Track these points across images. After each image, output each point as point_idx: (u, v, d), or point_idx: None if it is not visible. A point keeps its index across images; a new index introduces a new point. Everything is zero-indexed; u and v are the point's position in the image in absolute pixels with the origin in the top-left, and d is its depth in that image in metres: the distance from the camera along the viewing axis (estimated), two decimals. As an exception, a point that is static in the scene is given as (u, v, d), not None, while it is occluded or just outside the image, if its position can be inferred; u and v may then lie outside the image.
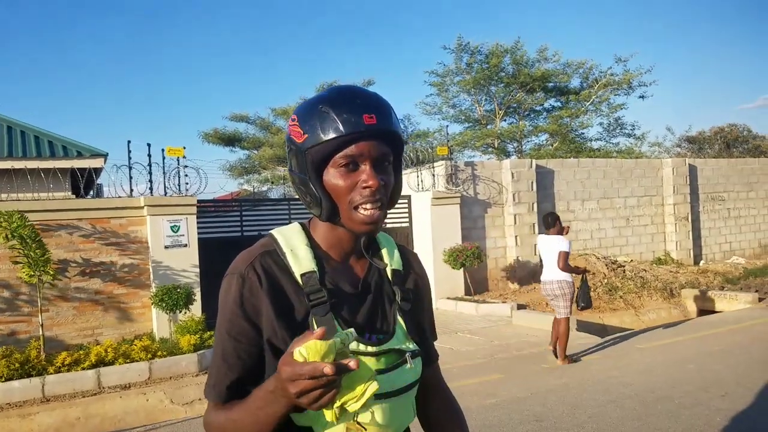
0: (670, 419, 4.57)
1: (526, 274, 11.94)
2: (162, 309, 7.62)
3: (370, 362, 1.05)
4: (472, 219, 11.71)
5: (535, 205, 12.26)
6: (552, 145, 23.70)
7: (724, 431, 4.27)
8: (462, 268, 10.52)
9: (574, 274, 6.53)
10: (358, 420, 1.03)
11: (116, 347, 7.05)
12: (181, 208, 8.53)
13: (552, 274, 6.45)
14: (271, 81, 53.06)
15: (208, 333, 7.64)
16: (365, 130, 1.05)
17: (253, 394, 0.99)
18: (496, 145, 24.00)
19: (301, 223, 1.21)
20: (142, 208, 8.33)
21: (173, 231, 8.45)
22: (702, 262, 14.42)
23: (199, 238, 8.80)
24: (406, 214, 11.55)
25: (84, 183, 8.66)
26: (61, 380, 6.42)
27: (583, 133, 24.86)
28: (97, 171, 10.69)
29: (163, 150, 8.75)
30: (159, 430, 5.17)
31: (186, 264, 8.52)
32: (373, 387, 0.88)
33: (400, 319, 1.16)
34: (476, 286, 11.14)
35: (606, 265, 11.83)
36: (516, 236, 11.99)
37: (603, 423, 4.57)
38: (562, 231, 6.63)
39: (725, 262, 14.35)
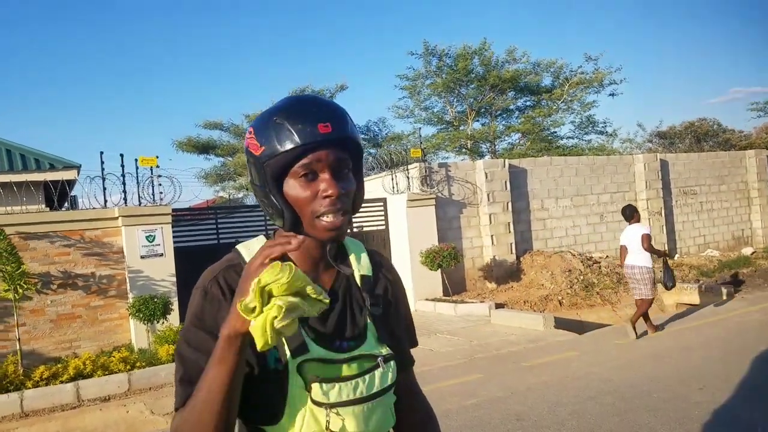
0: (649, 414, 4.66)
1: (503, 273, 12.06)
2: (139, 320, 7.54)
3: (342, 370, 1.07)
4: (447, 220, 11.79)
5: (510, 205, 12.39)
6: (525, 145, 23.96)
7: (702, 424, 4.36)
8: (439, 269, 10.59)
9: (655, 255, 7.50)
10: (331, 428, 1.03)
11: (94, 359, 6.96)
12: (155, 217, 8.45)
13: (635, 260, 7.31)
14: (243, 88, 52.75)
15: (188, 343, 7.57)
16: (321, 139, 1.04)
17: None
18: (469, 146, 24.18)
19: (266, 235, 1.21)
20: (117, 218, 8.24)
21: (149, 241, 8.37)
22: (677, 256, 14.70)
23: (175, 247, 8.73)
24: (383, 217, 11.58)
25: (58, 195, 8.55)
26: (40, 394, 6.31)
27: (555, 132, 25.20)
28: (71, 183, 10.54)
29: (136, 160, 8.67)
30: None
31: (163, 273, 8.44)
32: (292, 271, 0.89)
33: (370, 324, 1.16)
34: (454, 287, 11.21)
35: (582, 262, 12.00)
36: (492, 235, 12.10)
37: (583, 420, 4.64)
38: (639, 220, 7.58)
39: (700, 255, 14.65)
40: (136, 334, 8.05)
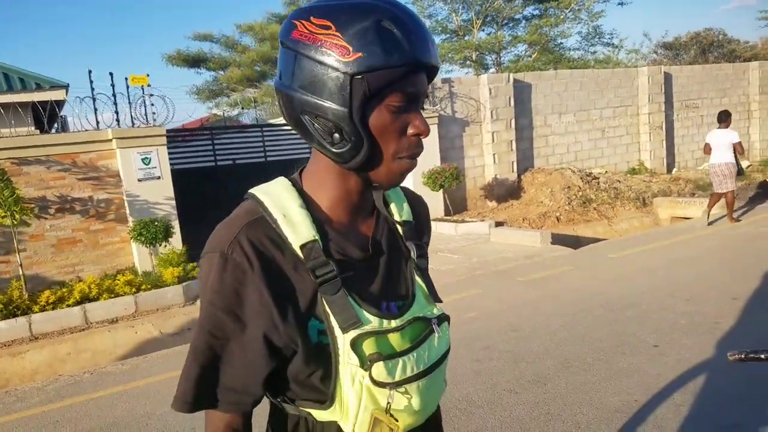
0: (637, 324, 4.80)
1: (504, 191, 12.07)
2: (141, 243, 7.63)
3: (395, 340, 0.91)
4: (449, 139, 11.66)
5: (513, 122, 12.21)
6: (531, 56, 23.29)
7: (686, 333, 4.50)
8: (441, 190, 10.60)
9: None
10: (393, 409, 0.90)
11: (99, 283, 7.11)
12: (150, 139, 8.34)
13: (722, 158, 8.32)
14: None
15: (192, 264, 7.71)
16: (433, 62, 0.87)
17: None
18: (474, 58, 23.51)
19: (289, 178, 0.99)
20: (111, 140, 8.14)
21: (145, 163, 8.32)
22: (675, 170, 14.67)
23: (172, 169, 8.69)
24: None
25: (47, 117, 8.39)
26: (48, 318, 6.50)
27: (562, 43, 24.45)
28: (60, 104, 10.30)
29: (126, 79, 8.46)
30: (151, 360, 5.30)
31: (161, 197, 8.45)
32: None
33: (419, 280, 1.00)
34: (455, 206, 11.26)
35: (581, 178, 11.99)
36: (494, 154, 12.01)
37: (574, 330, 4.79)
38: (729, 125, 8.50)
39: (697, 169, 14.61)
40: (139, 257, 8.17)
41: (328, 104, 0.84)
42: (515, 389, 3.77)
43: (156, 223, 7.63)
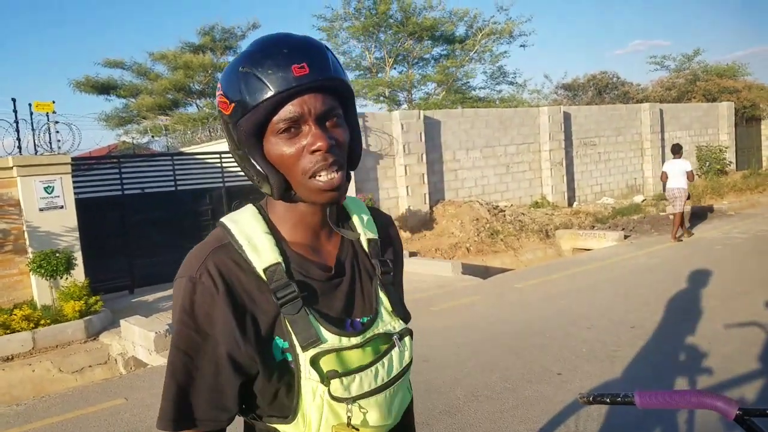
0: (541, 352, 5.10)
1: (417, 222, 12.43)
2: (41, 275, 7.21)
3: (355, 356, 0.95)
4: (365, 171, 11.93)
5: (424, 156, 12.68)
6: (440, 95, 24.28)
7: (588, 360, 4.83)
8: (355, 219, 10.72)
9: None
10: (353, 423, 0.94)
11: (-7, 318, 6.64)
12: (54, 167, 7.96)
13: (678, 183, 9.90)
14: (147, 26, 49.37)
15: (94, 298, 7.38)
16: (298, 84, 0.89)
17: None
18: (387, 95, 24.19)
19: (256, 205, 1.04)
20: (11, 168, 7.70)
21: (47, 192, 7.92)
22: (575, 204, 15.67)
23: (76, 199, 8.31)
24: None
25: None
26: (-68, 358, 5.99)
27: (468, 82, 25.65)
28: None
29: (30, 105, 8.07)
30: (49, 400, 5.01)
31: (64, 227, 8.05)
32: None
33: (382, 296, 1.04)
34: (369, 236, 11.44)
35: (488, 211, 12.58)
36: (407, 186, 12.39)
37: (483, 359, 5.03)
38: (681, 156, 10.12)
39: (596, 203, 15.70)
40: (39, 290, 7.70)
41: (236, 151, 0.96)
42: (427, 421, 3.88)
43: (57, 255, 7.25)
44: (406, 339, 1.03)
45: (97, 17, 49.63)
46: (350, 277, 1.03)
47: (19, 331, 6.53)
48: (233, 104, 0.92)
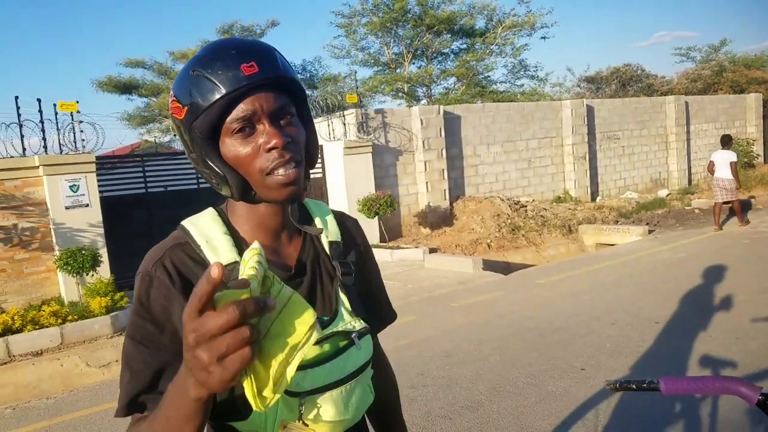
0: (564, 348, 5.06)
1: (437, 218, 12.39)
2: (68, 272, 7.35)
3: (311, 352, 0.94)
4: (384, 167, 11.91)
5: (444, 151, 12.62)
6: (459, 90, 24.15)
7: (612, 356, 4.79)
8: (376, 217, 10.77)
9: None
10: (303, 419, 0.93)
11: (23, 314, 6.79)
12: (79, 166, 8.11)
13: (723, 174, 10.22)
14: (167, 26, 49.92)
15: (119, 294, 7.49)
16: (248, 83, 0.89)
17: (162, 397, 0.79)
18: (405, 90, 24.14)
19: (216, 209, 1.05)
20: (38, 167, 7.86)
21: (73, 191, 8.07)
22: (599, 199, 15.48)
23: (101, 197, 8.47)
24: (319, 165, 11.57)
25: (-31, 144, 8.01)
26: (-36, 352, 6.15)
27: (488, 76, 25.46)
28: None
29: (55, 105, 8.22)
30: (77, 394, 5.11)
31: (89, 224, 8.20)
32: (313, 335, 0.69)
33: (342, 297, 1.05)
34: (390, 233, 11.47)
35: (509, 206, 12.48)
36: (427, 182, 12.34)
37: (505, 355, 5.00)
38: (730, 147, 10.50)
39: (619, 198, 15.48)
40: (66, 287, 7.86)
41: (192, 155, 0.96)
42: (449, 415, 3.90)
43: (83, 252, 7.39)
44: (366, 337, 1.04)
45: (116, 17, 50.34)
46: (311, 278, 1.04)
47: (47, 326, 6.66)
48: (186, 108, 0.92)
